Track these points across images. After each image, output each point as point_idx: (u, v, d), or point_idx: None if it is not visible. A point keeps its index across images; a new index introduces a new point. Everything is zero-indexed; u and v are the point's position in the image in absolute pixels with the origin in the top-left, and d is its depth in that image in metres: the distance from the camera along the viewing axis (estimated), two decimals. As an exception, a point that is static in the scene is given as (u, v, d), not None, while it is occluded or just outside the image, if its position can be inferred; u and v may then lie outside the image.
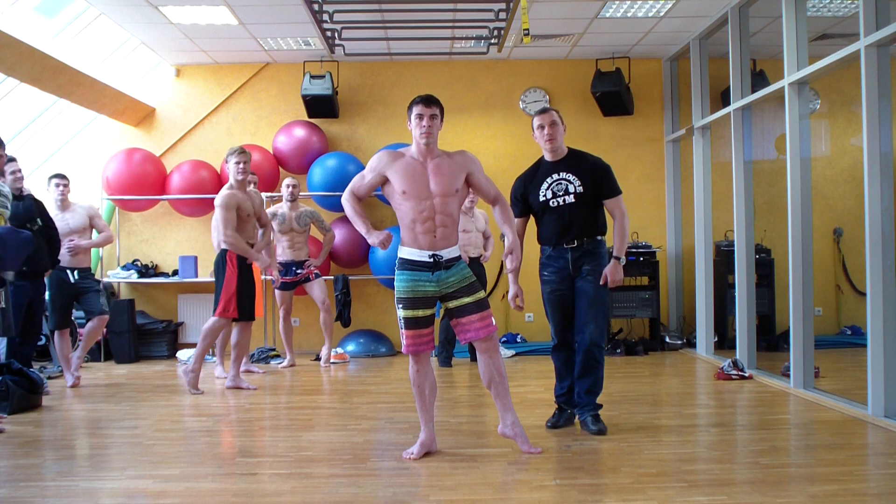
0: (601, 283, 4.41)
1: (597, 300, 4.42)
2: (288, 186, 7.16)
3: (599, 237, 4.49)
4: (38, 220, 5.77)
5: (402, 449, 4.07)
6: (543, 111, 4.50)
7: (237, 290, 5.87)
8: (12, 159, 5.91)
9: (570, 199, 4.41)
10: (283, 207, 7.16)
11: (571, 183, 4.41)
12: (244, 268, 5.94)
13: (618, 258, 4.43)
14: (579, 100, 8.56)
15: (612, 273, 4.41)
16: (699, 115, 7.70)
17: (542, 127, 4.46)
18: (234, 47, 7.97)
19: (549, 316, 4.60)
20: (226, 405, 5.58)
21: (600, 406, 4.51)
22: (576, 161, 4.49)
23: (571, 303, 4.50)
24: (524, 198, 4.55)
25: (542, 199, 4.46)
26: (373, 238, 3.90)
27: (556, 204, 4.43)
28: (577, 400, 4.54)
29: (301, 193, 7.76)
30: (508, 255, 4.02)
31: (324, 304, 7.26)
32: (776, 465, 3.77)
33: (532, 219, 4.64)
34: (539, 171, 4.54)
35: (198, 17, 6.99)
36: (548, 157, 4.52)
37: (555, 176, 4.45)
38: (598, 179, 4.45)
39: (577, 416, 4.57)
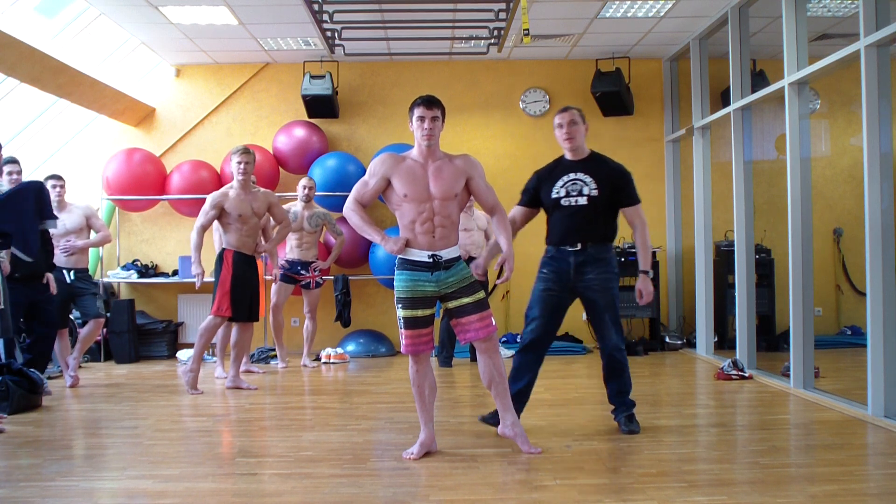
0: (640, 300, 4.38)
1: (609, 307, 4.36)
2: (304, 188, 7.15)
3: (607, 243, 4.41)
4: None
5: (402, 449, 4.06)
6: (564, 110, 4.44)
7: (231, 289, 5.86)
8: (13, 160, 5.91)
9: (583, 200, 4.33)
10: (296, 206, 7.16)
11: (587, 185, 4.34)
12: (242, 268, 5.94)
13: (646, 272, 4.38)
14: (579, 100, 8.54)
15: (644, 287, 4.36)
16: (699, 115, 7.70)
17: (560, 126, 4.40)
18: (234, 47, 7.97)
19: (529, 314, 4.44)
20: (226, 405, 5.58)
21: (633, 404, 4.49)
22: (596, 164, 4.42)
23: (559, 308, 4.41)
24: (535, 190, 4.47)
25: (554, 195, 4.38)
26: (389, 245, 3.89)
27: (567, 203, 4.35)
28: (610, 401, 4.54)
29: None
30: (504, 263, 4.01)
31: (312, 313, 7.29)
32: (776, 465, 3.77)
33: (527, 219, 4.59)
34: (557, 168, 4.46)
35: (198, 17, 6.99)
36: (568, 156, 4.46)
37: (571, 175, 4.38)
38: (618, 186, 4.38)
39: (613, 417, 4.55)
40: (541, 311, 4.40)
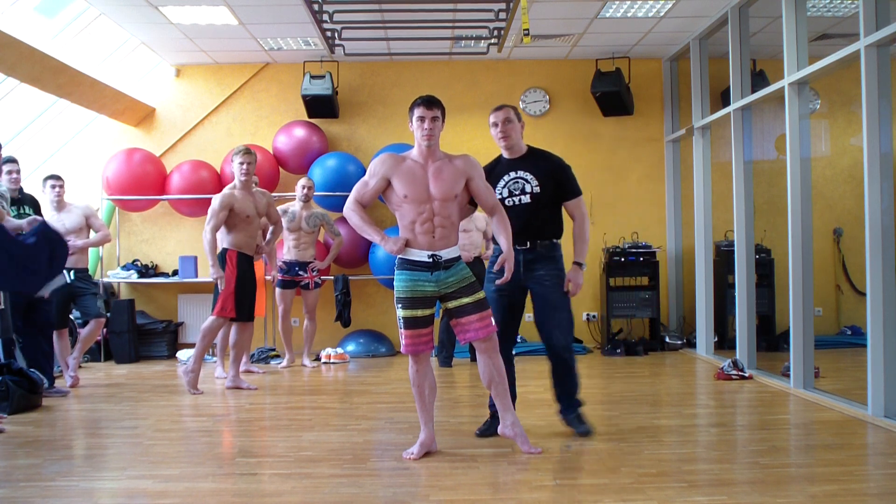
0: (564, 290, 4.31)
1: (559, 305, 4.30)
2: (303, 187, 7.16)
3: (555, 240, 4.36)
4: None
5: (402, 449, 4.06)
6: (498, 108, 4.38)
7: (235, 289, 5.86)
8: (12, 160, 5.91)
9: (526, 199, 4.28)
10: (295, 206, 7.17)
11: (529, 182, 4.28)
12: (244, 267, 5.95)
13: (580, 264, 4.33)
14: (579, 100, 8.56)
15: (574, 278, 4.30)
16: (699, 115, 7.70)
17: (495, 125, 4.34)
18: (234, 47, 7.97)
19: None
20: (226, 405, 5.58)
21: (580, 403, 4.42)
22: (535, 160, 4.36)
23: (514, 307, 4.36)
24: None
25: (497, 197, 4.28)
26: (389, 245, 3.88)
27: (511, 203, 4.29)
28: (556, 400, 4.46)
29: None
30: (504, 264, 3.99)
31: (311, 313, 7.30)
32: (776, 465, 3.77)
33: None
34: (497, 168, 4.40)
35: (198, 17, 6.99)
36: (506, 155, 4.41)
37: (512, 174, 4.33)
38: (559, 180, 4.33)
39: (560, 417, 4.48)
40: (494, 312, 4.27)
